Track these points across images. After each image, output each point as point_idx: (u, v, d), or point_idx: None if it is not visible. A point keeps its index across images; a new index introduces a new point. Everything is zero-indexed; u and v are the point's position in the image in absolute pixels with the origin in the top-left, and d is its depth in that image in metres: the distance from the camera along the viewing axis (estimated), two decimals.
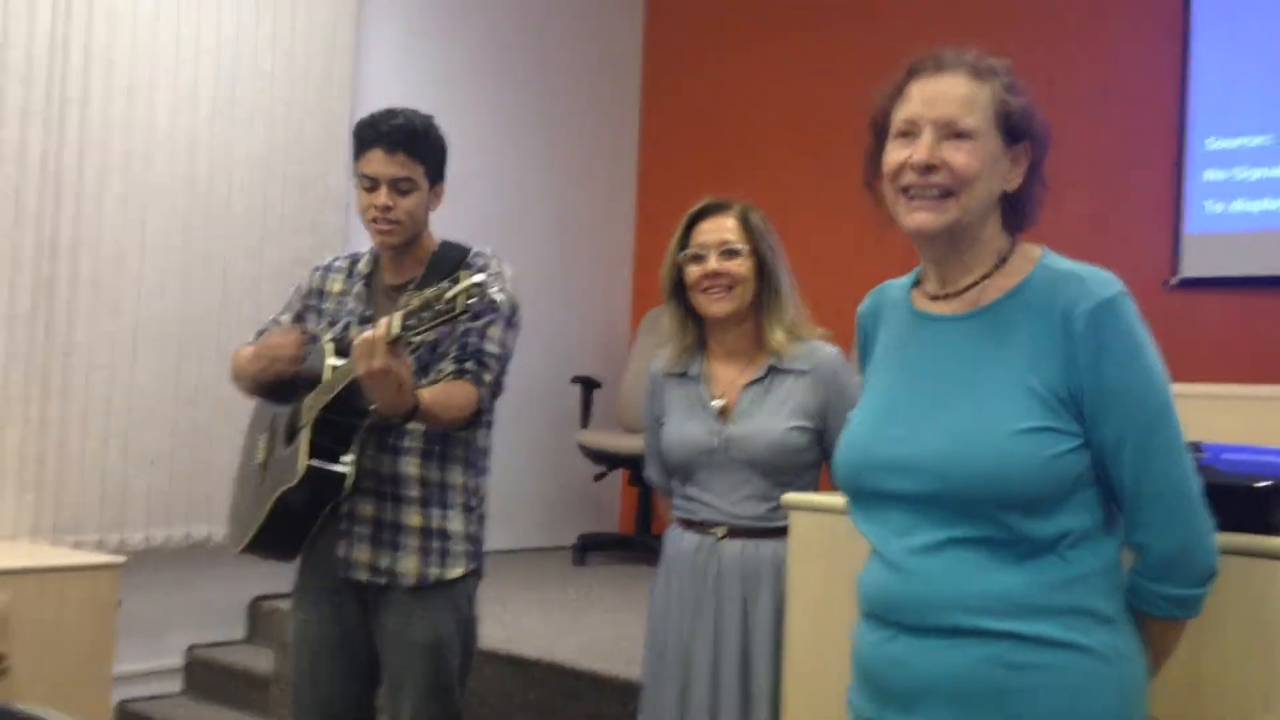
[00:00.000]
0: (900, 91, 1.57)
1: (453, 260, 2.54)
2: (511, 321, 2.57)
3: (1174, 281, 4.45)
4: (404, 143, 2.49)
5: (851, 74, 5.29)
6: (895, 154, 1.55)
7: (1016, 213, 1.57)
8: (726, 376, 2.43)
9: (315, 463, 2.40)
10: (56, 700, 3.35)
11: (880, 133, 1.59)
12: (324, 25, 4.55)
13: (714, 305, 2.38)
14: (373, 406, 2.33)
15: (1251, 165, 4.35)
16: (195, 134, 4.20)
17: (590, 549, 5.24)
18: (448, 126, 5.55)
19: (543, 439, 5.55)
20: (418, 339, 2.27)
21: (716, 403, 2.40)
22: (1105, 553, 1.49)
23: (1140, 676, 1.49)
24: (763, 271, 2.39)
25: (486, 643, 3.36)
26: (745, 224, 2.41)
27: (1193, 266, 4.44)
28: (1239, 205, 4.38)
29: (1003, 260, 1.56)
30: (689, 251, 2.41)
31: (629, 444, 4.93)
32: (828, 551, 2.02)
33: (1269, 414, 3.04)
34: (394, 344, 2.21)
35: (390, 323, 2.21)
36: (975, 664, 1.44)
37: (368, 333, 2.23)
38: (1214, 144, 4.42)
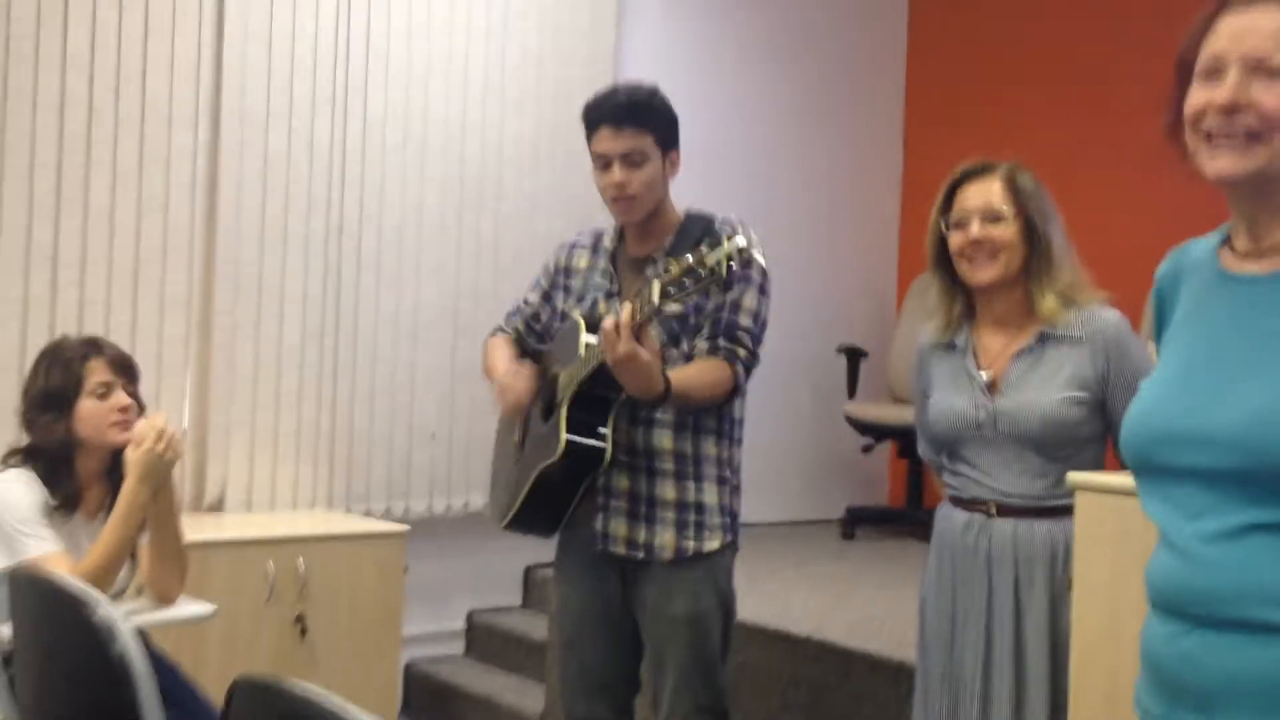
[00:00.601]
0: (1209, 27, 1.40)
1: (699, 228, 2.51)
2: (764, 289, 2.52)
3: None
4: (629, 116, 2.48)
5: (1126, 25, 4.91)
6: (1197, 96, 1.39)
7: None
8: (995, 346, 2.29)
9: (573, 438, 2.43)
10: (350, 660, 3.57)
11: (1185, 74, 1.42)
12: (586, 4, 4.60)
13: (977, 273, 2.24)
14: (622, 394, 2.34)
15: None
16: (466, 117, 4.34)
17: (858, 522, 5.13)
18: (709, 98, 5.55)
19: (808, 410, 5.47)
20: (677, 306, 2.26)
21: (983, 374, 2.26)
22: None
23: None
24: (1031, 236, 2.23)
25: (755, 618, 3.34)
26: (1011, 186, 2.25)
27: None
28: None
29: None
30: (951, 218, 2.28)
31: (897, 415, 4.79)
32: (1118, 536, 1.87)
33: None
34: (639, 327, 2.21)
35: (640, 300, 2.21)
36: None
37: (610, 319, 2.23)
38: None
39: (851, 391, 5.34)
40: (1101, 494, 1.92)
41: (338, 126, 4.06)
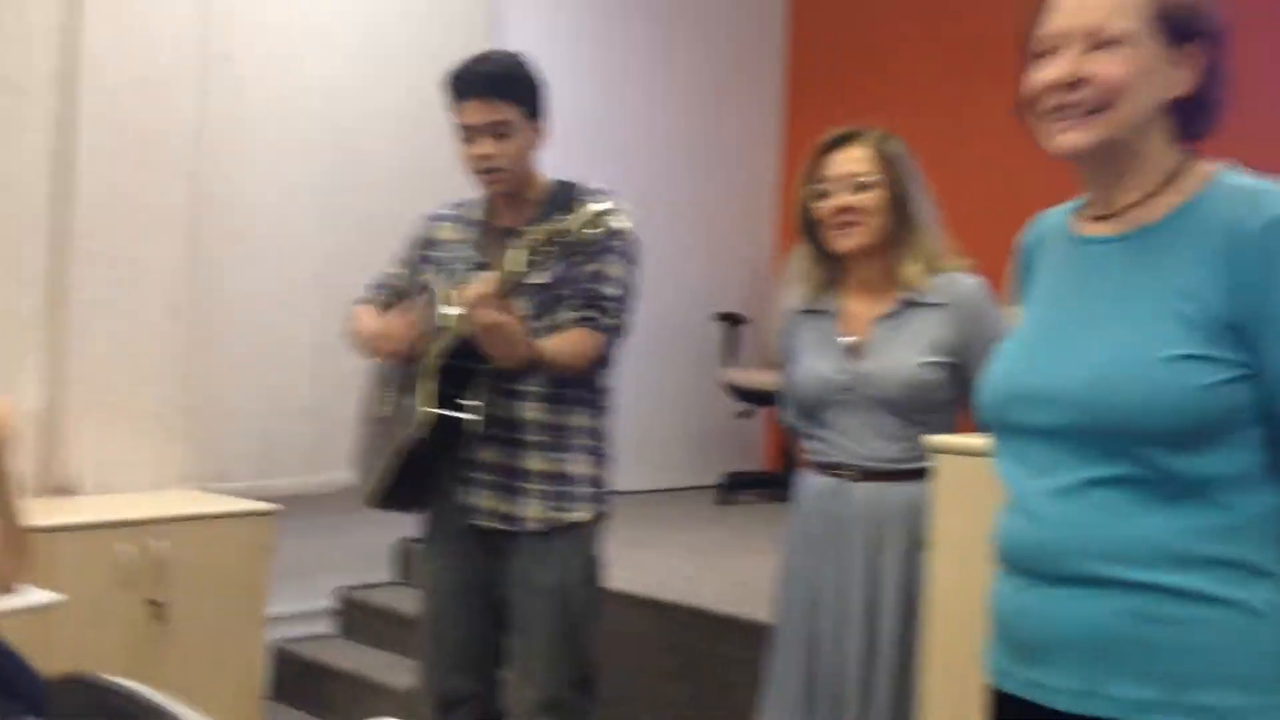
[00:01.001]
0: (1044, 4, 1.41)
1: (565, 196, 2.48)
2: (630, 257, 2.50)
3: None
4: (494, 87, 2.43)
5: None
6: (1037, 74, 1.40)
7: (1189, 121, 1.41)
8: (859, 312, 2.31)
9: (437, 410, 2.39)
10: (212, 643, 3.47)
11: (1028, 53, 1.44)
12: None
13: (843, 240, 2.27)
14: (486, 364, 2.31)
15: None
16: (339, 86, 4.21)
17: (735, 488, 5.18)
18: (588, 65, 5.49)
19: (685, 377, 5.48)
20: (541, 274, 2.24)
21: (847, 339, 2.28)
22: (1266, 500, 1.34)
23: None
24: (897, 204, 2.25)
25: (628, 586, 3.34)
26: (878, 153, 2.28)
27: None
28: None
29: (1171, 177, 1.40)
30: (817, 187, 2.28)
31: (774, 381, 4.82)
32: (973, 498, 1.90)
33: None
34: (503, 297, 2.19)
35: (500, 274, 2.19)
36: (1113, 616, 1.32)
37: (473, 288, 2.20)
38: None
39: (729, 358, 5.37)
40: (959, 456, 1.95)
41: (201, 94, 3.90)
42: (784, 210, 5.77)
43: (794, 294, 2.44)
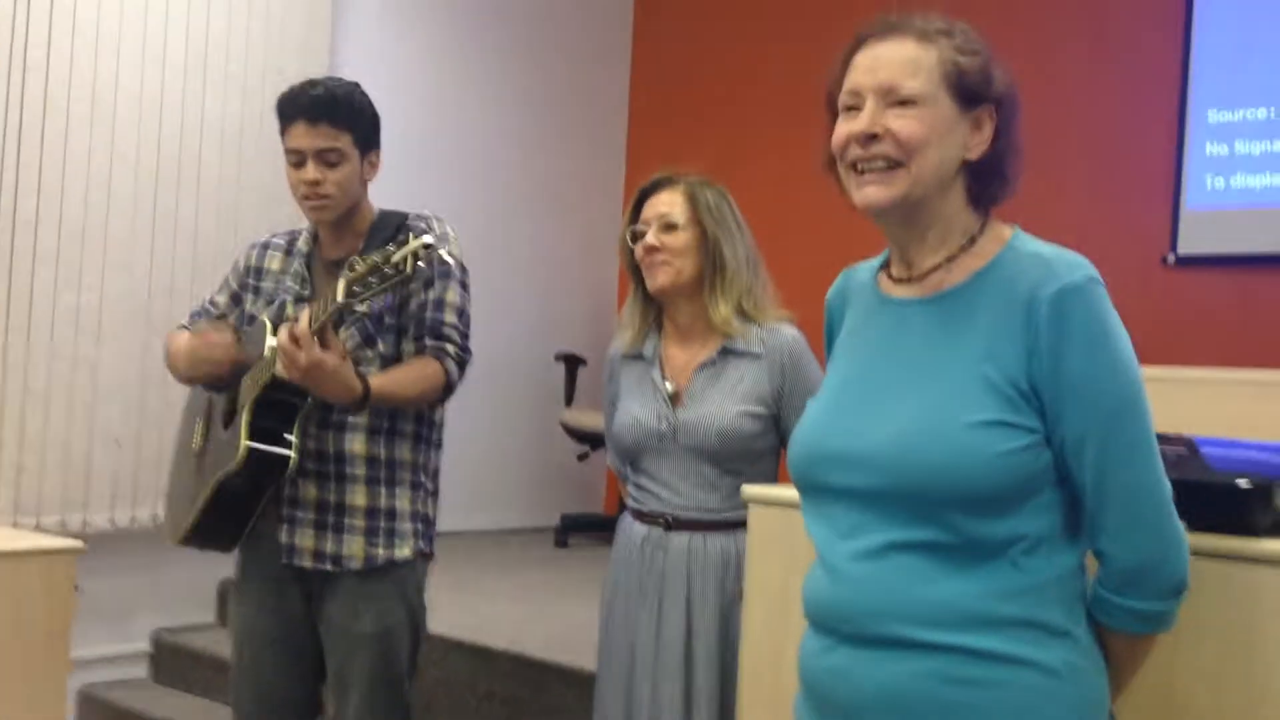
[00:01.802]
0: (849, 63, 1.45)
1: (392, 226, 2.43)
2: (464, 283, 2.47)
3: (1172, 259, 4.30)
4: (326, 113, 2.37)
5: (830, 44, 5.12)
6: (840, 129, 1.43)
7: (985, 184, 1.44)
8: (680, 359, 2.32)
9: (255, 445, 2.30)
10: (13, 686, 3.26)
11: (834, 109, 1.47)
12: None
13: (651, 279, 2.29)
14: (310, 399, 2.24)
15: (1253, 139, 4.19)
16: (164, 98, 4.06)
17: (572, 530, 5.13)
18: (429, 95, 5.43)
19: (525, 417, 5.44)
20: (363, 306, 2.18)
21: (667, 385, 2.29)
22: (1064, 560, 1.37)
23: (1100, 694, 1.38)
24: (706, 247, 2.28)
25: (453, 631, 3.27)
26: (689, 197, 2.31)
27: (1192, 243, 4.29)
28: (1240, 180, 4.22)
29: (971, 241, 1.43)
30: (634, 228, 2.31)
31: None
32: (788, 549, 1.90)
33: (1267, 400, 2.90)
34: (322, 331, 2.13)
35: (315, 311, 2.13)
36: (917, 679, 1.33)
37: (285, 329, 2.14)
38: (1216, 116, 4.26)
39: (569, 399, 5.34)
40: (773, 507, 1.95)
41: (13, 98, 3.72)
42: (621, 240, 5.80)
43: (618, 338, 2.44)
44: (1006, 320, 1.36)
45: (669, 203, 2.30)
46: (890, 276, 1.49)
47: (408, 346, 2.39)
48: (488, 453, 5.28)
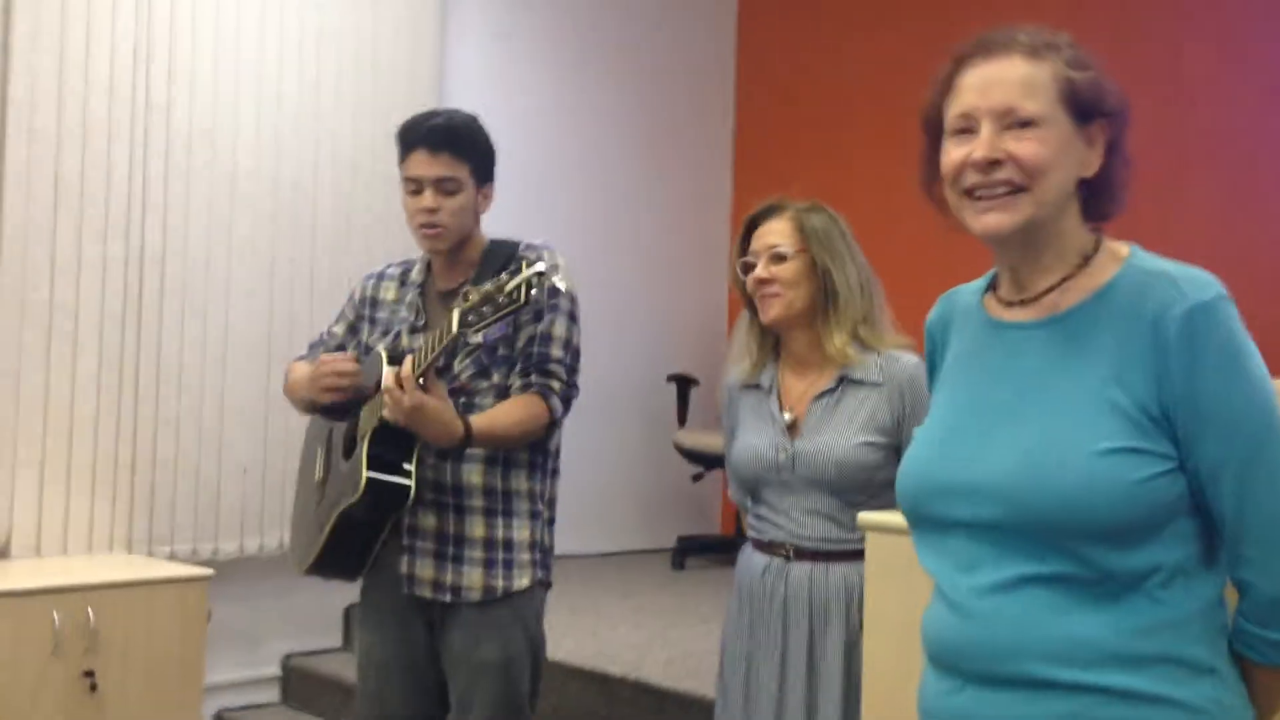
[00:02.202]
0: (950, 84, 1.40)
1: (504, 256, 2.45)
2: (574, 316, 2.48)
3: None
4: (447, 142, 2.41)
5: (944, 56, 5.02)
6: (953, 153, 1.38)
7: (1098, 201, 1.39)
8: (798, 388, 2.28)
9: (375, 475, 2.33)
10: (147, 713, 3.36)
11: (934, 132, 1.42)
12: (408, 21, 4.50)
13: (764, 312, 2.26)
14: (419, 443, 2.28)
15: None
16: (280, 138, 4.18)
17: (689, 552, 5.11)
18: (538, 123, 5.48)
19: (638, 439, 5.44)
20: (477, 336, 2.20)
21: (785, 415, 2.25)
22: (1204, 592, 1.30)
23: None
24: (818, 275, 2.24)
25: (572, 658, 3.27)
26: (797, 224, 2.27)
27: None
28: None
29: (1086, 260, 1.38)
30: (744, 259, 2.29)
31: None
32: (909, 578, 1.83)
33: None
34: (424, 375, 2.16)
35: (418, 356, 2.19)
36: None
37: (389, 374, 2.18)
38: None
39: (682, 420, 5.33)
40: (891, 535, 1.90)
41: (138, 148, 3.86)
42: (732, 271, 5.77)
43: (735, 368, 2.42)
44: (1132, 342, 1.30)
45: (777, 232, 2.27)
46: (999, 299, 1.44)
47: (515, 381, 2.41)
48: (602, 476, 5.29)
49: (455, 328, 2.11)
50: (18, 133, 3.63)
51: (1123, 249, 1.39)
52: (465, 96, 4.83)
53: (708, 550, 5.23)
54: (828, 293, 2.24)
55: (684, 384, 5.35)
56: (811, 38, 5.58)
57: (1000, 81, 1.35)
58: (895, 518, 1.95)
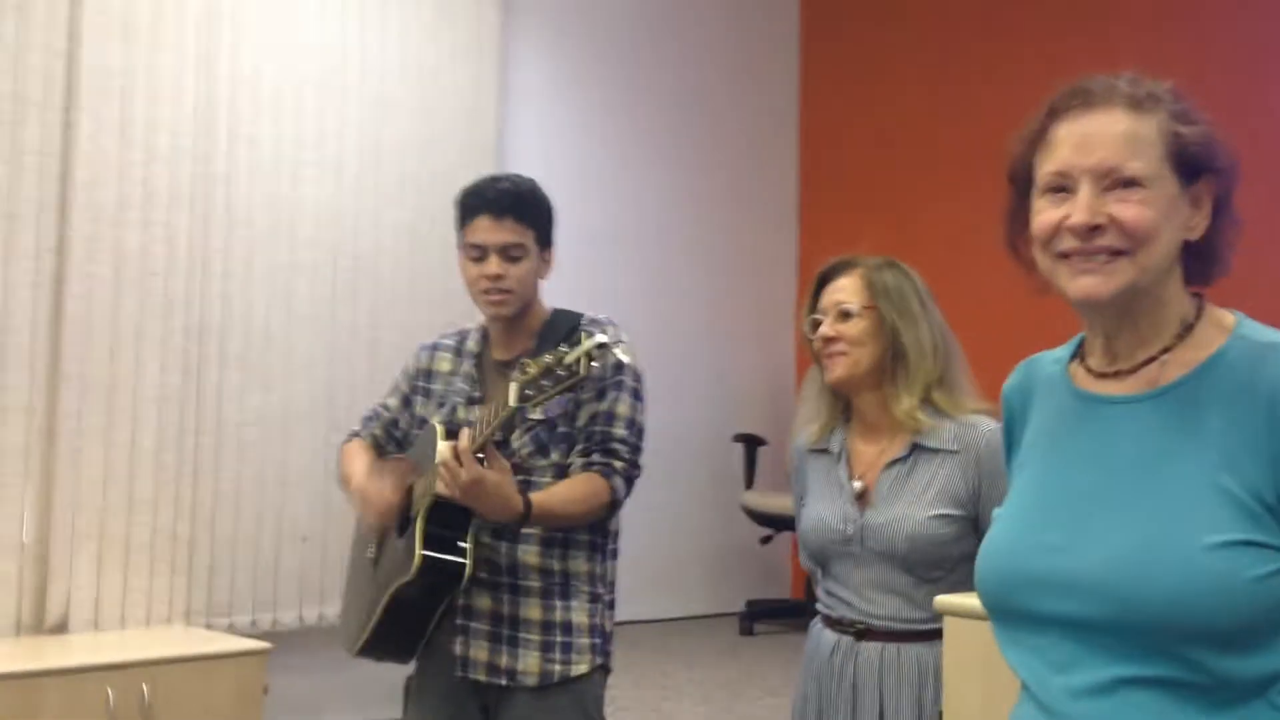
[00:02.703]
0: (1043, 136, 1.28)
1: (566, 327, 2.37)
2: (637, 393, 2.38)
3: None
4: (512, 207, 2.35)
5: (1025, 100, 4.90)
6: (1047, 214, 1.26)
7: (1202, 264, 1.27)
8: (868, 455, 2.16)
9: (430, 553, 2.25)
10: None
11: (1022, 187, 1.31)
12: (467, 89, 4.50)
13: (829, 371, 2.16)
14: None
15: None
16: (340, 206, 4.18)
17: (758, 618, 4.98)
18: (598, 186, 5.46)
19: (705, 500, 5.33)
20: (536, 411, 2.12)
21: (855, 484, 2.13)
22: None
23: None
24: (887, 334, 2.12)
25: None
26: (867, 281, 2.16)
27: None
28: None
29: (1188, 329, 1.26)
30: (813, 317, 2.20)
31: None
32: (988, 664, 1.72)
33: None
34: (483, 449, 2.07)
35: (477, 429, 2.10)
36: None
37: (447, 447, 2.09)
38: None
39: (749, 481, 5.22)
40: (971, 620, 1.78)
41: (198, 220, 3.87)
42: (801, 329, 5.66)
43: (804, 430, 2.31)
44: (1245, 422, 1.18)
45: (845, 289, 2.17)
46: (1088, 369, 1.32)
47: (575, 460, 2.32)
48: (668, 538, 5.19)
49: (513, 401, 2.03)
50: (79, 210, 3.65)
51: (1228, 317, 1.27)
52: (524, 159, 4.82)
53: (777, 615, 5.09)
54: (896, 352, 2.12)
55: (751, 444, 5.25)
56: (875, 91, 5.50)
57: (1101, 137, 1.24)
58: (974, 600, 1.83)
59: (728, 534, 5.33)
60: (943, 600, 1.87)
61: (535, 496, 2.21)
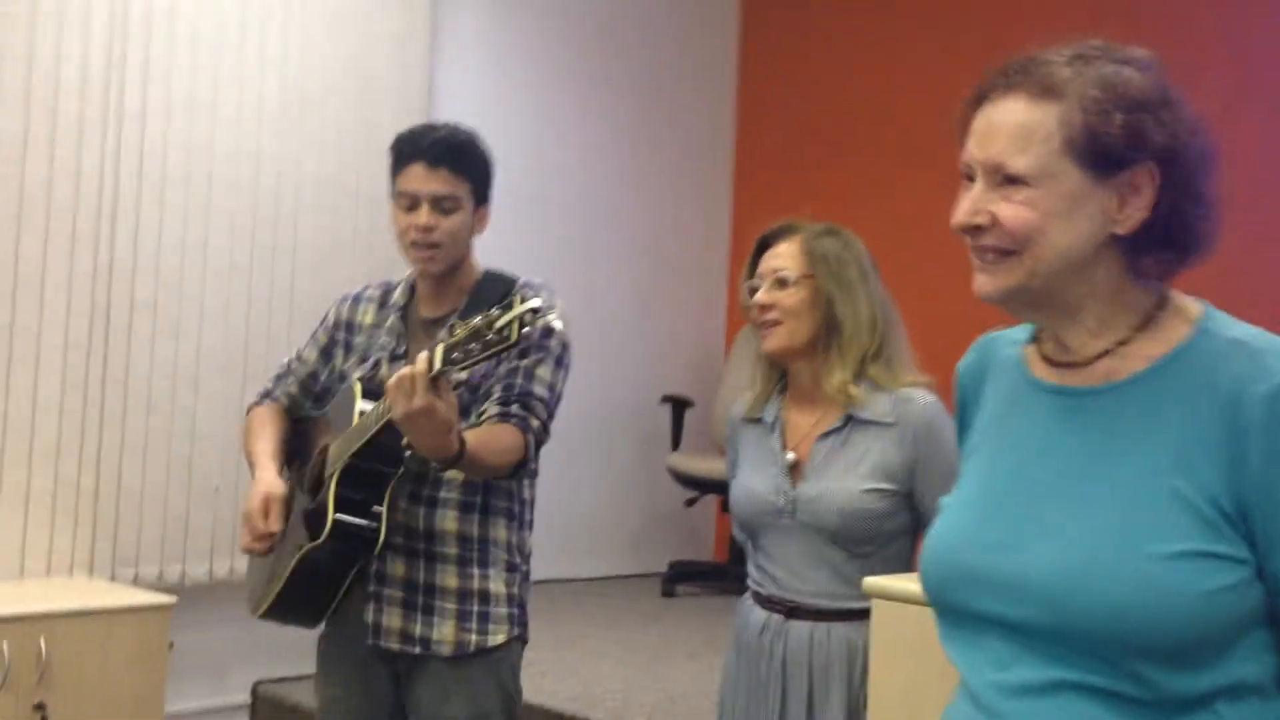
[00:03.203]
0: (965, 124, 1.22)
1: (499, 289, 2.27)
2: (561, 361, 2.29)
3: None
4: (447, 157, 2.24)
5: (961, 69, 4.84)
6: (958, 205, 1.21)
7: (1153, 256, 1.18)
8: (803, 426, 2.10)
9: (342, 517, 2.16)
10: None
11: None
12: (396, 35, 4.33)
13: (764, 341, 2.09)
14: (409, 452, 2.07)
15: None
16: (260, 150, 4.01)
17: (680, 579, 4.94)
18: (531, 140, 5.33)
19: (631, 461, 5.27)
20: (462, 374, 2.01)
21: (788, 456, 2.07)
22: (1278, 711, 1.13)
23: None
24: (823, 305, 2.05)
25: (553, 701, 3.10)
26: (806, 249, 2.08)
27: None
28: None
29: (1147, 320, 1.19)
30: (750, 282, 2.12)
31: (722, 468, 4.62)
32: (917, 649, 1.68)
33: None
34: (435, 380, 1.94)
35: (431, 356, 1.94)
36: None
37: (405, 369, 1.97)
38: None
39: (676, 443, 5.16)
40: (900, 603, 1.73)
41: (109, 157, 3.68)
42: (733, 290, 5.60)
43: (741, 399, 2.24)
44: (1204, 423, 1.11)
45: (783, 255, 2.09)
46: (1044, 356, 1.25)
47: (491, 408, 2.21)
48: (593, 498, 5.13)
49: (439, 363, 1.93)
50: None
51: (1193, 308, 1.20)
52: (455, 112, 4.66)
53: (700, 577, 5.06)
54: (831, 324, 2.05)
55: (679, 406, 5.19)
56: (815, 49, 5.42)
57: (998, 128, 1.17)
58: (904, 583, 1.79)
59: (652, 496, 5.28)
60: (871, 583, 1.82)
61: (470, 437, 2.08)
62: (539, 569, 4.70)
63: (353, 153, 4.19)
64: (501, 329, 1.85)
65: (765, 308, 2.06)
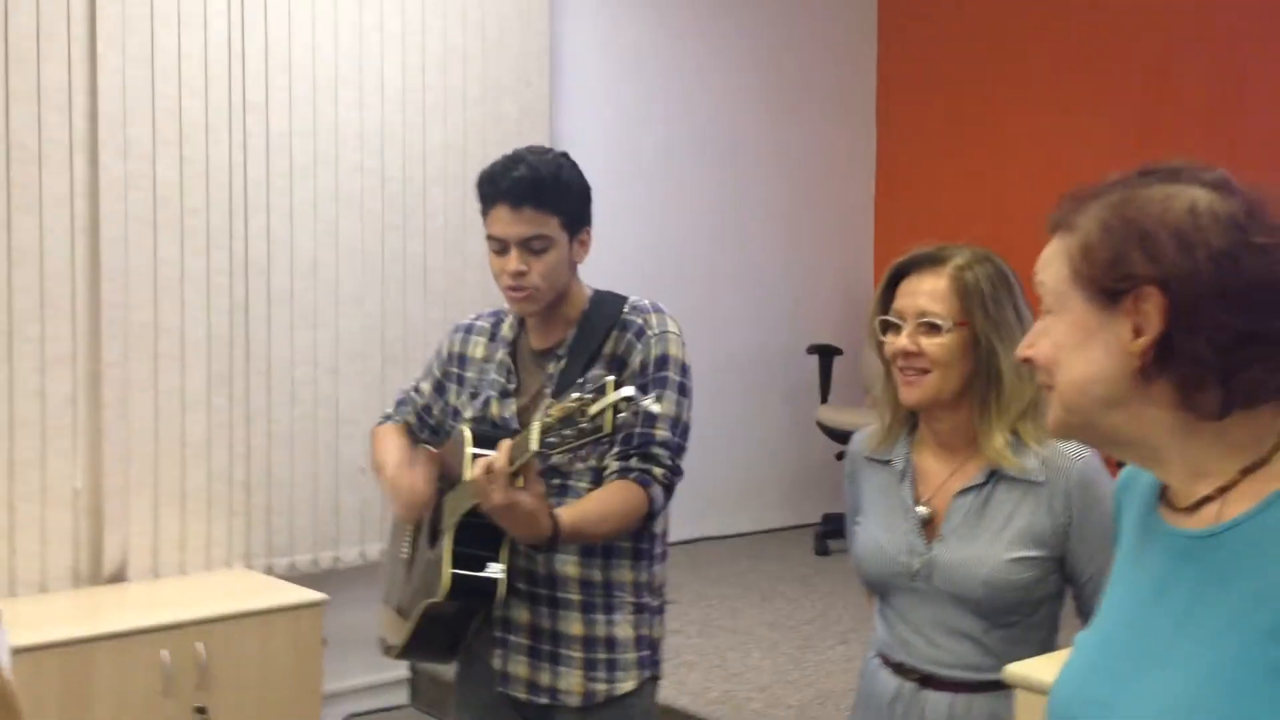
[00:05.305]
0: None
1: (607, 315, 2.17)
2: (684, 388, 2.17)
3: None
4: (530, 196, 2.10)
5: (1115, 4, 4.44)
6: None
7: (1209, 390, 1.04)
8: (938, 475, 1.90)
9: (460, 572, 2.11)
10: None
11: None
12: None
13: (905, 391, 1.86)
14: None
15: None
16: (384, 128, 3.95)
17: (833, 535, 4.82)
18: (664, 89, 5.13)
19: (780, 414, 5.15)
20: (558, 459, 1.96)
21: (921, 510, 1.90)
22: None
23: None
24: (978, 352, 1.82)
25: (695, 705, 3.04)
26: (958, 286, 1.82)
27: None
28: None
29: (1261, 463, 1.03)
30: (885, 318, 1.89)
31: (873, 418, 4.46)
32: None
33: None
34: (523, 469, 1.88)
35: (519, 443, 1.88)
36: None
37: (482, 463, 1.90)
38: None
39: (825, 394, 5.01)
40: (1043, 696, 1.58)
41: (236, 151, 3.68)
42: (880, 234, 5.36)
43: (863, 431, 2.07)
44: None
45: (931, 294, 1.83)
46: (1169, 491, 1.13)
47: (611, 464, 2.12)
48: (742, 454, 5.03)
49: (534, 445, 1.84)
50: (112, 146, 3.48)
51: None
52: (579, 71, 4.52)
53: None
54: (989, 376, 1.82)
55: (826, 355, 5.02)
56: None
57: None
58: (1048, 672, 1.63)
59: (803, 449, 5.15)
60: (1012, 671, 1.67)
61: (565, 516, 2.01)
62: (689, 527, 4.65)
63: (478, 121, 4.09)
64: (594, 416, 1.77)
65: (911, 354, 1.84)
